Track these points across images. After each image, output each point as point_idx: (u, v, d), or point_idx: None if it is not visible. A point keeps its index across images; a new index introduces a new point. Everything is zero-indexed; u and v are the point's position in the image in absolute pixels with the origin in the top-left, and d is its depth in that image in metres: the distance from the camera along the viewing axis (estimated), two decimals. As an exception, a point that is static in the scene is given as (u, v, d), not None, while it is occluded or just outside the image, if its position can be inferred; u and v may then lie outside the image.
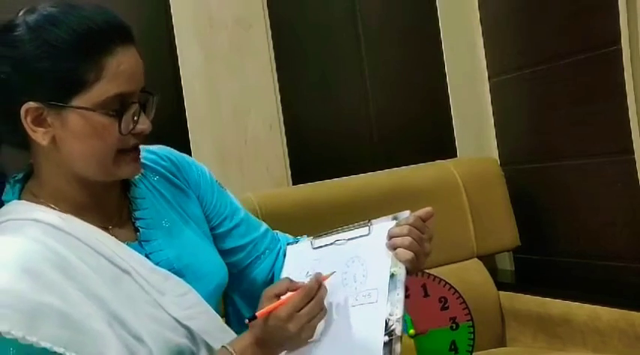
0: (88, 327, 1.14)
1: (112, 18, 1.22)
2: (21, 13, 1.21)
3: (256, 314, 1.24)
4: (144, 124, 1.24)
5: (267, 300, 1.27)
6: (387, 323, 1.25)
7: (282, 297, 1.26)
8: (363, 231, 1.38)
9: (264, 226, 1.54)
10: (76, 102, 1.18)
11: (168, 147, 1.44)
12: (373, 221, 1.38)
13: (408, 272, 1.30)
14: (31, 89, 1.18)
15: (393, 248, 1.31)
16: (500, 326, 2.25)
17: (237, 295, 1.51)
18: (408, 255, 1.29)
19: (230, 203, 1.49)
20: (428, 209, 1.36)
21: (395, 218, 1.36)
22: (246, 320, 1.24)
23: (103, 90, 1.18)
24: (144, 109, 1.25)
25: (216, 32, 2.23)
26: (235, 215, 1.49)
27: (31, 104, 1.18)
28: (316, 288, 1.27)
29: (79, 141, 1.21)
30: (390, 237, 1.32)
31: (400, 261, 1.30)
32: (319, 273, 1.30)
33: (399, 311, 1.25)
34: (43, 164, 1.26)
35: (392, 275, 1.29)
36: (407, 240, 1.30)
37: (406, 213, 1.36)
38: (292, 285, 1.28)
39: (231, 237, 1.47)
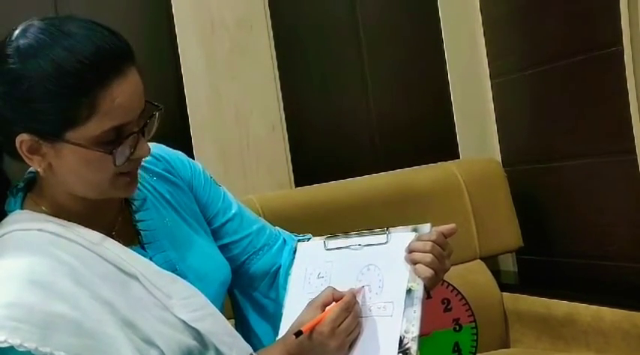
0: (101, 333, 1.14)
1: (104, 45, 1.15)
2: (15, 35, 1.17)
3: (302, 329, 1.23)
4: (142, 150, 1.21)
5: (312, 310, 1.27)
6: (401, 341, 1.23)
7: (327, 308, 1.26)
8: (381, 238, 1.34)
9: (262, 222, 1.51)
10: (70, 136, 1.15)
11: (161, 145, 1.42)
12: (391, 229, 1.34)
13: (425, 289, 1.27)
14: (25, 123, 1.16)
15: (413, 262, 1.28)
16: (503, 327, 2.25)
17: (238, 291, 1.49)
18: (428, 272, 1.26)
19: (224, 199, 1.47)
20: (451, 225, 1.32)
21: (415, 229, 1.32)
22: (292, 337, 1.23)
23: (97, 125, 1.15)
24: (143, 131, 1.21)
25: (218, 34, 2.23)
26: (228, 210, 1.46)
27: (25, 136, 1.17)
28: (354, 302, 1.26)
29: (74, 172, 1.20)
30: (411, 250, 1.29)
31: (419, 276, 1.27)
32: (353, 288, 1.28)
33: (415, 330, 1.23)
34: (42, 179, 1.25)
35: (409, 291, 1.26)
36: (428, 256, 1.27)
37: (427, 227, 1.32)
38: (337, 294, 1.27)
39: (225, 232, 1.45)
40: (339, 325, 1.24)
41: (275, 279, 1.46)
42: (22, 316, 1.10)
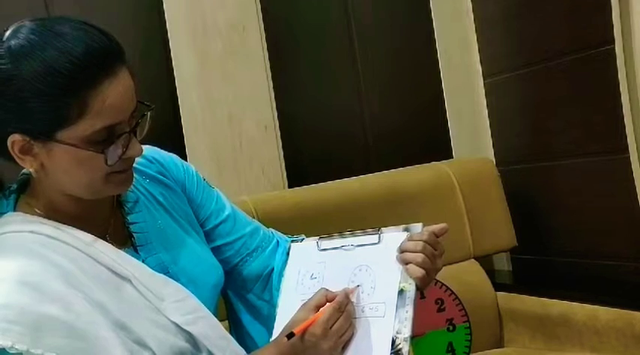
0: (93, 335, 1.14)
1: (95, 46, 1.15)
2: (6, 36, 1.17)
3: (294, 331, 1.23)
4: (133, 150, 1.21)
5: (305, 311, 1.27)
6: (393, 342, 1.23)
7: (321, 310, 1.26)
8: (373, 238, 1.34)
9: (255, 224, 1.51)
10: (61, 136, 1.16)
11: (154, 147, 1.43)
12: (383, 229, 1.34)
13: (417, 289, 1.27)
14: (16, 123, 1.16)
15: (405, 262, 1.28)
16: (497, 327, 2.25)
17: (232, 292, 1.50)
18: (420, 272, 1.27)
19: (217, 201, 1.47)
20: (442, 225, 1.33)
21: (406, 229, 1.32)
22: (284, 339, 1.23)
23: (88, 124, 1.15)
24: (135, 131, 1.21)
25: (211, 36, 2.22)
26: (221, 212, 1.46)
27: (16, 137, 1.17)
28: (346, 303, 1.26)
29: (66, 172, 1.20)
30: (402, 250, 1.29)
31: (411, 277, 1.27)
32: (347, 288, 1.29)
33: (406, 330, 1.23)
34: (35, 180, 1.25)
35: (401, 291, 1.26)
36: (420, 256, 1.27)
37: (418, 226, 1.32)
38: (330, 295, 1.27)
39: (218, 234, 1.45)
40: (332, 326, 1.24)
41: (268, 281, 1.46)
42: (14, 317, 1.10)
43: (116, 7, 2.16)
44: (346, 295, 1.27)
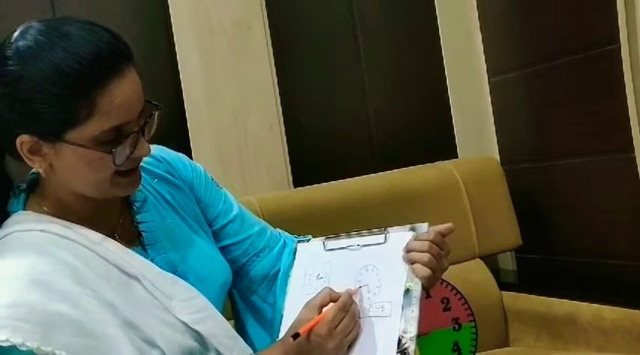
0: (101, 333, 1.15)
1: (102, 46, 1.16)
2: (14, 37, 1.17)
3: (299, 331, 1.23)
4: (141, 149, 1.21)
5: (309, 311, 1.27)
6: (400, 341, 1.23)
7: (324, 309, 1.26)
8: (379, 238, 1.35)
9: (262, 224, 1.52)
10: (70, 136, 1.16)
11: (162, 147, 1.43)
12: (390, 229, 1.35)
13: (423, 288, 1.28)
14: (25, 124, 1.17)
15: (411, 262, 1.29)
16: (503, 326, 2.25)
17: (237, 293, 1.50)
18: (426, 272, 1.28)
19: (224, 200, 1.47)
20: (449, 225, 1.33)
21: (412, 229, 1.33)
22: (290, 339, 1.24)
23: (96, 125, 1.16)
24: (143, 131, 1.21)
25: (216, 36, 2.23)
26: (229, 212, 1.47)
27: (25, 137, 1.17)
28: (350, 302, 1.27)
29: (74, 172, 1.20)
30: (409, 250, 1.30)
31: (417, 276, 1.28)
32: (350, 289, 1.29)
33: (413, 330, 1.24)
34: (44, 179, 1.26)
35: (407, 291, 1.27)
36: (426, 256, 1.28)
37: (424, 226, 1.33)
38: (334, 295, 1.28)
39: (226, 234, 1.46)
40: (337, 326, 1.25)
41: (274, 283, 1.46)
42: (24, 315, 1.11)
43: (121, 6, 2.16)
44: (350, 295, 1.28)
